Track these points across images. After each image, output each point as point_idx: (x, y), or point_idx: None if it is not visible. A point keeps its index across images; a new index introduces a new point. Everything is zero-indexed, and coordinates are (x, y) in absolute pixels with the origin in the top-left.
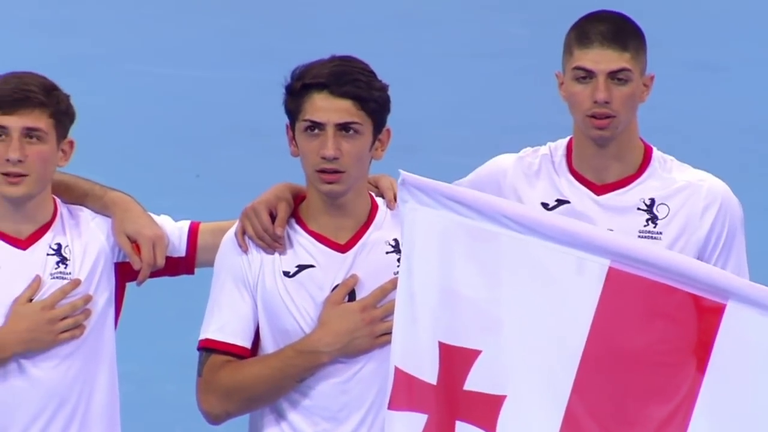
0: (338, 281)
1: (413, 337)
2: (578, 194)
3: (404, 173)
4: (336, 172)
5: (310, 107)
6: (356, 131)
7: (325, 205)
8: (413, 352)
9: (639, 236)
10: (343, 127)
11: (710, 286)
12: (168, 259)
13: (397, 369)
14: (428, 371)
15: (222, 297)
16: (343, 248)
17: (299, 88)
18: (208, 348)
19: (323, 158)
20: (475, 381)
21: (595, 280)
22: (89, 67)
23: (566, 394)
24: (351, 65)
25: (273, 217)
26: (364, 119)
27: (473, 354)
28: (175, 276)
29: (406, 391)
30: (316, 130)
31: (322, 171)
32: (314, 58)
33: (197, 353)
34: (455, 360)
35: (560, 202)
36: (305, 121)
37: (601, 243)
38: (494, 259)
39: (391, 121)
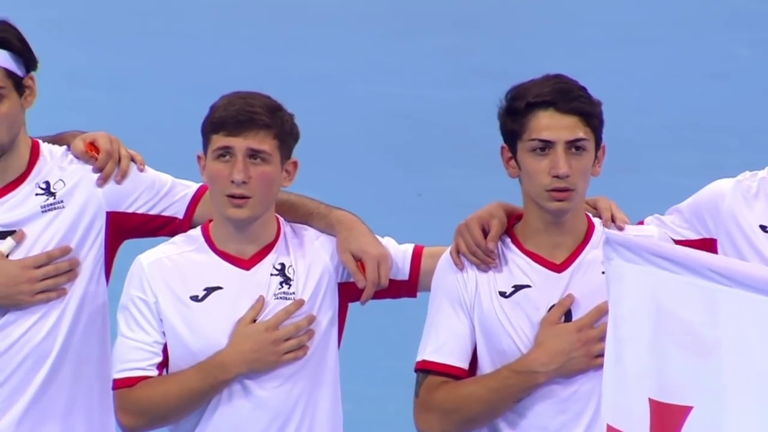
0: (554, 301)
1: (624, 394)
2: None
3: (608, 231)
4: (567, 190)
5: (536, 126)
6: (584, 148)
7: (546, 224)
8: (624, 408)
9: None
10: (572, 144)
11: None
12: (391, 281)
13: (609, 426)
14: (639, 428)
15: (439, 318)
16: (559, 268)
17: (523, 107)
18: (426, 369)
19: (555, 177)
20: None
21: None
22: (314, 87)
23: None
24: (569, 83)
25: (486, 234)
26: (589, 135)
27: (685, 410)
28: (396, 298)
29: None
30: (546, 149)
31: (554, 190)
32: (536, 77)
33: (415, 368)
34: (666, 417)
35: None
36: (532, 140)
37: None
38: (703, 314)
39: (611, 140)
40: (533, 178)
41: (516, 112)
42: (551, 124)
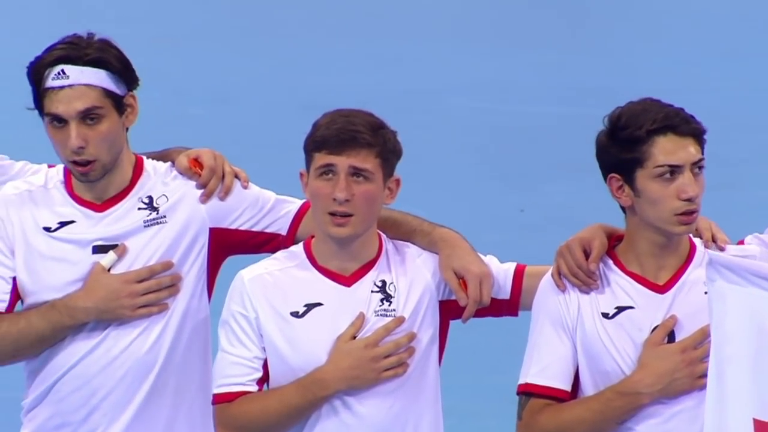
0: (657, 322)
1: (727, 415)
2: None
3: (711, 252)
4: (695, 212)
5: (660, 152)
6: (703, 167)
7: (655, 247)
8: (727, 429)
9: None
10: (695, 165)
11: None
12: (492, 300)
13: None
14: None
15: (541, 340)
16: (662, 289)
17: (644, 134)
18: (529, 392)
19: (687, 200)
20: None
21: None
22: (417, 102)
23: None
24: (670, 105)
25: (587, 256)
26: (702, 154)
27: None
28: (498, 317)
29: None
30: (674, 174)
31: (684, 213)
32: (634, 95)
33: (518, 390)
34: None
35: None
36: (660, 166)
37: None
38: None
39: (710, 157)
40: (660, 204)
41: (636, 140)
42: (676, 148)
